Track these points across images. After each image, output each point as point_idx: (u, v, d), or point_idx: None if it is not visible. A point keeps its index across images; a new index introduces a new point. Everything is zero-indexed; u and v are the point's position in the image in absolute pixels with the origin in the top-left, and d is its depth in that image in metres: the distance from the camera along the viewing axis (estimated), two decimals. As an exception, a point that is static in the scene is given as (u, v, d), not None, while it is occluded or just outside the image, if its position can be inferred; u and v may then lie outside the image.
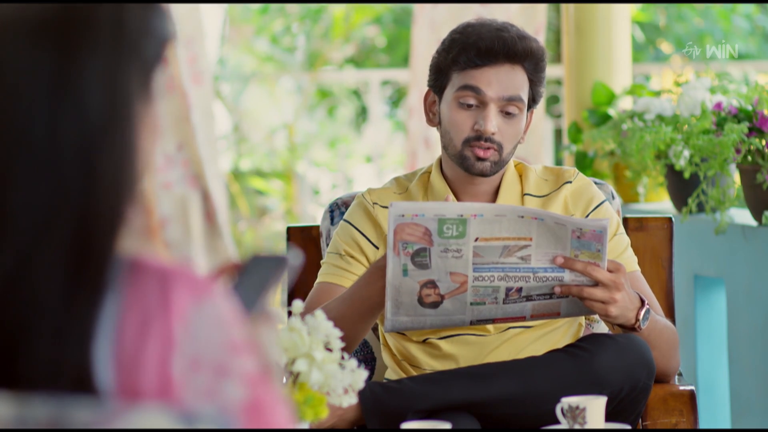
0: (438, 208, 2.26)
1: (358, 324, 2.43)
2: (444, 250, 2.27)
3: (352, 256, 2.58)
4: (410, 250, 2.28)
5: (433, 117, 2.60)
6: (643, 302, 2.40)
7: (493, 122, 2.50)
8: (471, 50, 2.50)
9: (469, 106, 2.52)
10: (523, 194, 2.61)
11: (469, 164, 2.53)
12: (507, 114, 2.52)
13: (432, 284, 2.31)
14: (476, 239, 2.28)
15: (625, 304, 2.35)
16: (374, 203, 2.62)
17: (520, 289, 2.33)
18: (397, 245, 2.27)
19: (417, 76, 5.25)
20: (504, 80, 2.50)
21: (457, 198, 2.61)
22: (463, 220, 2.26)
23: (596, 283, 2.33)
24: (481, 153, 2.51)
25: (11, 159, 1.22)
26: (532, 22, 4.81)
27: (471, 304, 2.33)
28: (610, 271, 2.33)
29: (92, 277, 1.22)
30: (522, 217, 2.27)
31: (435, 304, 2.33)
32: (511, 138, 2.53)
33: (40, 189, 1.22)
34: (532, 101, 2.57)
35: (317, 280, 2.60)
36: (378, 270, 2.38)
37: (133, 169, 1.26)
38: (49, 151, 1.22)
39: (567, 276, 2.33)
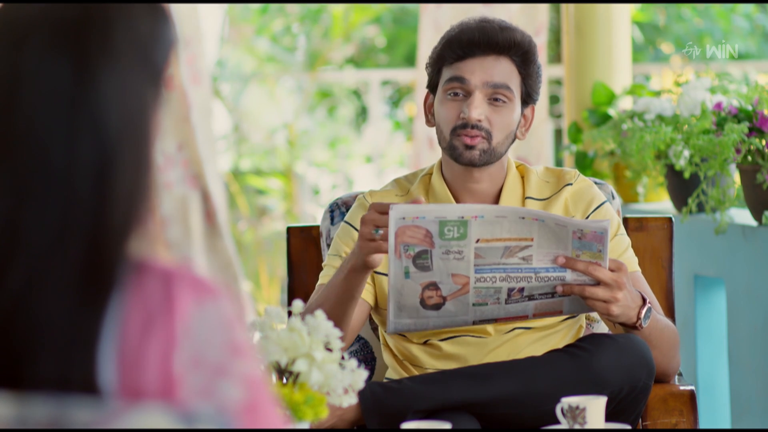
0: (439, 210, 2.26)
1: (336, 310, 2.42)
2: (445, 251, 2.28)
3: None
4: (411, 252, 2.28)
5: (431, 117, 2.61)
6: (644, 301, 2.40)
7: (477, 109, 2.50)
8: (454, 43, 2.54)
9: (456, 95, 2.53)
10: (525, 197, 2.61)
11: (457, 153, 2.53)
12: (494, 101, 2.52)
13: (434, 286, 2.31)
14: (477, 240, 2.28)
15: (626, 303, 2.35)
16: (376, 205, 2.62)
17: (522, 289, 2.33)
18: (399, 248, 2.27)
19: (423, 77, 5.25)
20: (489, 69, 2.52)
21: (458, 200, 2.61)
22: (464, 221, 2.26)
23: (598, 282, 2.33)
24: (468, 140, 2.51)
25: (26, 176, 1.22)
26: (533, 22, 4.81)
27: (473, 305, 2.33)
28: (611, 270, 2.32)
29: (101, 289, 1.22)
30: (523, 218, 2.27)
31: (437, 306, 2.33)
32: (501, 127, 2.53)
33: (54, 206, 1.21)
34: (528, 96, 2.57)
35: (318, 282, 2.60)
36: (357, 262, 2.38)
37: (147, 179, 1.25)
38: (65, 170, 1.21)
39: (569, 275, 2.33)
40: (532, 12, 4.83)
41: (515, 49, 2.53)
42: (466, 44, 2.53)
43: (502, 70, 2.53)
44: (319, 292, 2.52)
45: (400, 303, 2.32)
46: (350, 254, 2.40)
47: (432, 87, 2.60)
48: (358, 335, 2.79)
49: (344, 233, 2.62)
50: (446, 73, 2.55)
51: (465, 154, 2.52)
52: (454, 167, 2.58)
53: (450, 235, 2.27)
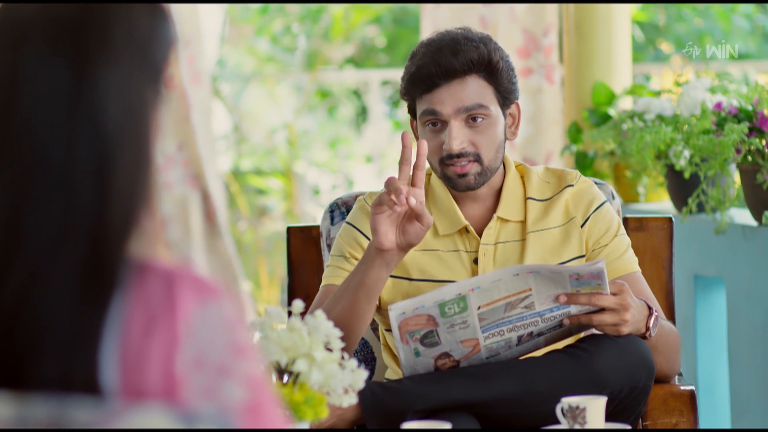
0: (436, 296, 2.28)
1: (355, 309, 2.42)
2: (450, 326, 2.31)
3: (356, 259, 2.58)
4: (417, 336, 2.31)
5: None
6: (650, 309, 2.41)
7: (457, 139, 2.49)
8: (415, 80, 2.53)
9: (434, 125, 2.52)
10: (526, 198, 2.60)
11: (453, 184, 2.53)
12: (473, 121, 2.51)
13: (446, 355, 2.35)
14: (479, 308, 2.30)
15: (635, 320, 2.36)
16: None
17: (531, 332, 2.35)
18: (404, 336, 2.30)
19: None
20: (457, 94, 2.50)
21: (457, 200, 2.61)
22: (463, 297, 2.29)
23: (603, 308, 2.34)
24: (458, 170, 2.51)
25: (26, 177, 1.22)
26: (541, 23, 4.76)
27: (486, 358, 2.37)
28: (613, 293, 2.33)
29: (103, 288, 1.22)
30: (517, 274, 2.28)
31: (453, 368, 2.36)
32: (488, 145, 2.52)
33: (54, 206, 1.21)
34: (506, 100, 2.55)
35: (322, 283, 2.60)
36: (371, 252, 2.40)
37: (147, 178, 1.25)
38: (64, 169, 1.21)
39: (574, 309, 2.34)
40: (540, 12, 4.76)
41: (476, 67, 2.51)
42: (426, 78, 2.51)
43: (471, 92, 2.50)
44: (329, 294, 2.52)
45: (415, 373, 2.39)
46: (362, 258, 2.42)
47: (412, 113, 2.60)
48: (358, 335, 2.79)
49: (347, 234, 2.62)
50: (420, 104, 2.54)
51: (460, 183, 2.53)
52: None
53: (451, 312, 2.29)
